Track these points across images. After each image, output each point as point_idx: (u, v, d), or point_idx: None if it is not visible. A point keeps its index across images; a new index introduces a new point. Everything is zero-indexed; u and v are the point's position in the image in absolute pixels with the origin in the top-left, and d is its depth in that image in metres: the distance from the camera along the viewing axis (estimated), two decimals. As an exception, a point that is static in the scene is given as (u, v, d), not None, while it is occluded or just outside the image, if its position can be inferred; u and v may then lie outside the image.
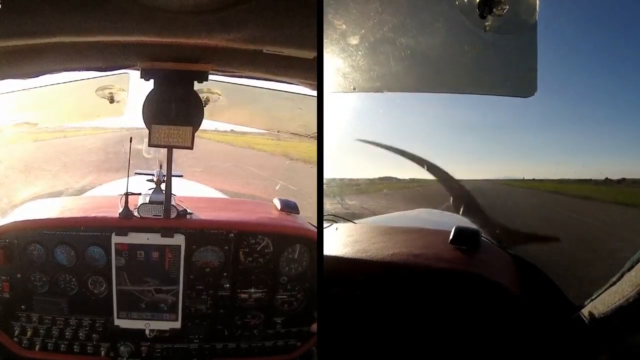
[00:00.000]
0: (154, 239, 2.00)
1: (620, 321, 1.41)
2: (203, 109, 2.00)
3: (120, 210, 2.07)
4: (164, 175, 2.08)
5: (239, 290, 2.17)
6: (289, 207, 2.44)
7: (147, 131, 1.97)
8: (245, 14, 1.35)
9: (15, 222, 2.06)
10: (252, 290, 2.18)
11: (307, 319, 2.22)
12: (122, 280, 2.01)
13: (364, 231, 2.18)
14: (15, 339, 2.05)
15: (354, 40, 1.83)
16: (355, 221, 2.60)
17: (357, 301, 1.69)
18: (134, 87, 2.47)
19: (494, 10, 1.64)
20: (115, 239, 1.98)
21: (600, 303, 1.47)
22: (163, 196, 2.07)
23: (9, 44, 1.44)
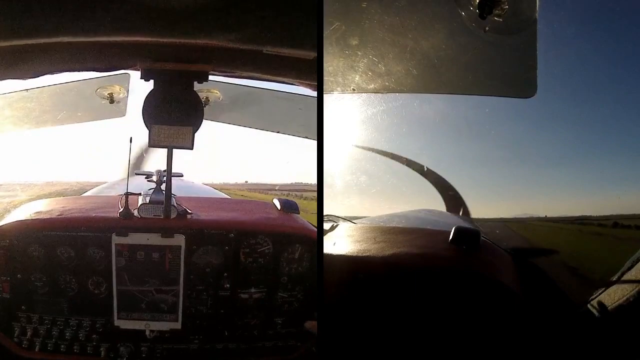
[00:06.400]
0: (154, 239, 2.00)
1: (620, 320, 1.41)
2: (203, 109, 2.00)
3: (121, 210, 2.07)
4: (164, 176, 2.08)
5: (239, 291, 2.17)
6: (289, 207, 2.44)
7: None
8: (245, 14, 1.35)
9: (15, 222, 2.06)
10: (253, 290, 2.18)
11: (307, 319, 2.22)
12: (123, 280, 2.01)
13: (364, 231, 2.18)
14: (15, 340, 2.05)
15: (353, 41, 1.83)
16: (355, 221, 2.60)
17: (357, 301, 1.69)
18: (134, 87, 2.48)
19: (494, 10, 1.64)
20: (116, 240, 1.98)
21: (600, 302, 1.47)
22: (163, 196, 2.07)
23: (9, 44, 1.44)
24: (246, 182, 6.17)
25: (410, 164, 2.99)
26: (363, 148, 2.57)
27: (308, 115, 2.53)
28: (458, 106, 2.31)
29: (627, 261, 1.47)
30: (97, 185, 3.86)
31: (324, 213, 1.68)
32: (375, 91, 2.03)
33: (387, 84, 1.97)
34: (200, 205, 2.35)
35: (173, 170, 2.05)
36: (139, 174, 2.32)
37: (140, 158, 2.96)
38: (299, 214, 2.42)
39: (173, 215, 2.08)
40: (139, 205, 2.11)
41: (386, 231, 2.20)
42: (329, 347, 1.62)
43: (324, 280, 1.61)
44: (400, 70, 1.91)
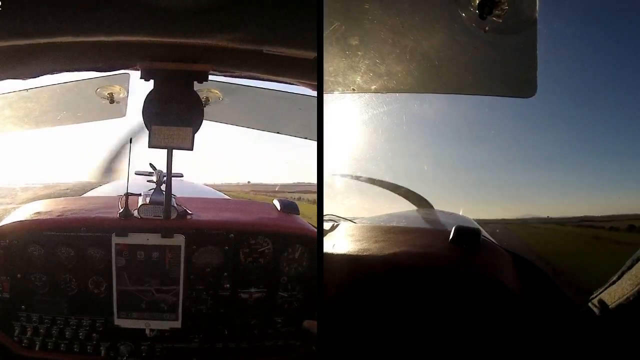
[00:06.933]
0: (154, 239, 2.00)
1: (620, 320, 1.41)
2: (203, 110, 2.00)
3: (121, 210, 2.07)
4: (164, 176, 2.08)
5: (239, 290, 2.17)
6: (289, 208, 2.45)
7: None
8: (245, 14, 1.35)
9: (15, 222, 2.06)
10: (252, 290, 2.18)
11: (307, 319, 2.22)
12: (123, 280, 2.01)
13: (364, 231, 2.18)
14: (15, 339, 2.05)
15: (354, 41, 1.83)
16: (356, 221, 2.60)
17: (357, 301, 1.69)
18: (134, 87, 2.48)
19: (494, 10, 1.64)
20: (116, 240, 1.98)
21: (601, 302, 1.47)
22: (163, 197, 2.08)
23: (9, 44, 1.44)
24: (249, 182, 6.16)
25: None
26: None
27: (308, 115, 2.53)
28: (458, 106, 2.31)
29: (627, 260, 1.47)
30: (96, 187, 3.86)
31: (324, 213, 1.68)
32: (376, 91, 2.03)
33: (387, 84, 1.97)
34: (200, 206, 2.35)
35: (173, 171, 2.05)
36: (139, 174, 2.32)
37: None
38: (298, 214, 2.42)
39: (173, 216, 2.08)
40: (138, 205, 2.11)
41: (386, 231, 2.20)
42: (329, 347, 1.62)
43: (324, 280, 1.61)
44: (401, 71, 1.91)
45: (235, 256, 2.15)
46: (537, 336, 1.55)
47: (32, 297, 2.05)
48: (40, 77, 1.95)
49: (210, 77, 1.98)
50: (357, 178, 2.63)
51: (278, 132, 2.98)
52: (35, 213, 2.16)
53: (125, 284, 2.01)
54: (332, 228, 2.30)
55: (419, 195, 3.21)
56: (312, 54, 1.56)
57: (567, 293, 1.75)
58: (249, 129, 3.07)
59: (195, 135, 1.99)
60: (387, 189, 2.97)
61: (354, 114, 2.29)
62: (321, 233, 1.81)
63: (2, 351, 2.05)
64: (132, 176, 2.19)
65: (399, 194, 3.03)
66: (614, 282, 1.46)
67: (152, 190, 2.20)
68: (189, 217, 2.15)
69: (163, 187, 2.12)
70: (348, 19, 1.77)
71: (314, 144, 1.58)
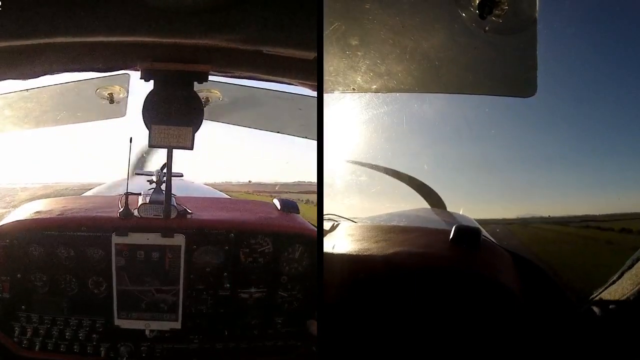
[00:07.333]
0: (154, 239, 2.00)
1: (620, 320, 1.41)
2: (203, 110, 2.00)
3: (121, 210, 2.07)
4: (164, 175, 2.09)
5: (239, 290, 2.17)
6: (289, 207, 2.45)
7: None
8: (245, 14, 1.35)
9: (15, 222, 2.06)
10: (253, 290, 2.18)
11: (307, 319, 2.22)
12: (123, 280, 2.01)
13: (364, 230, 2.18)
14: (15, 339, 2.05)
15: (354, 41, 1.83)
16: (356, 221, 2.60)
17: (358, 301, 1.69)
18: (134, 87, 2.48)
19: (494, 10, 1.65)
20: (116, 239, 1.98)
21: (601, 302, 1.47)
22: (163, 196, 2.08)
23: (9, 44, 1.45)
24: (250, 181, 6.16)
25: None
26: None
27: (308, 115, 2.53)
28: (458, 106, 2.32)
29: (627, 260, 1.48)
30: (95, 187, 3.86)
31: (324, 213, 1.68)
32: (376, 91, 2.03)
33: (387, 84, 1.98)
34: (200, 205, 2.35)
35: (173, 170, 2.05)
36: (139, 174, 2.32)
37: (142, 159, 2.97)
38: (299, 213, 2.42)
39: (173, 215, 2.08)
40: (139, 205, 2.11)
41: (386, 230, 2.20)
42: (329, 347, 1.62)
43: (324, 280, 1.61)
44: (401, 71, 1.91)
45: (236, 256, 2.15)
46: (537, 336, 1.55)
47: (32, 297, 2.05)
48: (40, 77, 1.95)
49: (210, 77, 1.98)
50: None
51: (278, 132, 2.98)
52: (35, 212, 2.16)
53: (125, 284, 2.01)
54: (332, 228, 2.30)
55: (419, 195, 3.21)
56: (312, 54, 1.56)
57: (567, 293, 1.75)
58: (248, 129, 3.07)
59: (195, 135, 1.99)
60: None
61: (354, 114, 2.29)
62: (321, 233, 1.81)
63: (2, 351, 2.05)
64: (132, 176, 2.19)
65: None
66: (614, 282, 1.46)
67: (152, 189, 2.20)
68: (189, 216, 2.15)
69: (163, 186, 2.12)
70: (348, 19, 1.77)
71: (314, 143, 1.58)
